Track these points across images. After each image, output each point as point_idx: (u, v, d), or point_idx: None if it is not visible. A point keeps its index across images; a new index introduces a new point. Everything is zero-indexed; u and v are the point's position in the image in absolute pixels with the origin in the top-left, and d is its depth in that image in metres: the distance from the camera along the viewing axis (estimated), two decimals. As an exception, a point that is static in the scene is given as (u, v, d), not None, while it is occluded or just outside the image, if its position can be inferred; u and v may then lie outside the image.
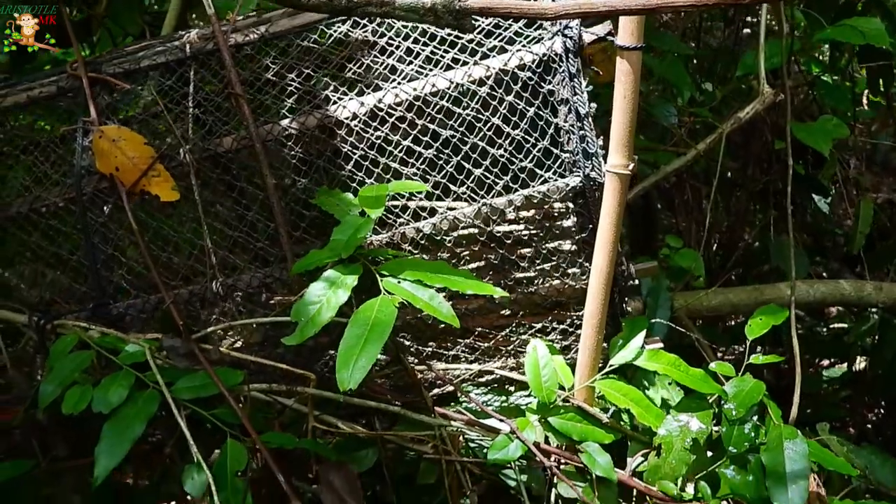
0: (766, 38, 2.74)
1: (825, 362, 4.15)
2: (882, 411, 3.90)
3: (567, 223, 1.93)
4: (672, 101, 3.16)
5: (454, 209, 1.86)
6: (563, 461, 1.89)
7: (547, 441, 1.92)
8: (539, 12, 1.41)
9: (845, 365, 3.92)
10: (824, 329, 4.04)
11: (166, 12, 2.64)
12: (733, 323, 3.79)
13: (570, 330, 2.02)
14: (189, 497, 1.71)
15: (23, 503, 1.89)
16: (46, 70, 2.14)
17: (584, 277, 1.91)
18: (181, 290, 1.93)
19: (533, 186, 1.81)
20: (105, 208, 1.95)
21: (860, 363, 3.81)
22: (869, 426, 3.85)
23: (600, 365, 1.94)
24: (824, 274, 3.89)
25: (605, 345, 1.94)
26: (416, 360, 2.03)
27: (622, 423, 2.02)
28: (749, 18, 3.73)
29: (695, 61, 3.69)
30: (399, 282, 1.61)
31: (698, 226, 3.50)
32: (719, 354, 3.69)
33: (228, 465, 1.67)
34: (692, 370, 1.90)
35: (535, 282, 1.97)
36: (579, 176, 1.80)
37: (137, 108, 2.07)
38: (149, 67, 1.96)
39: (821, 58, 3.63)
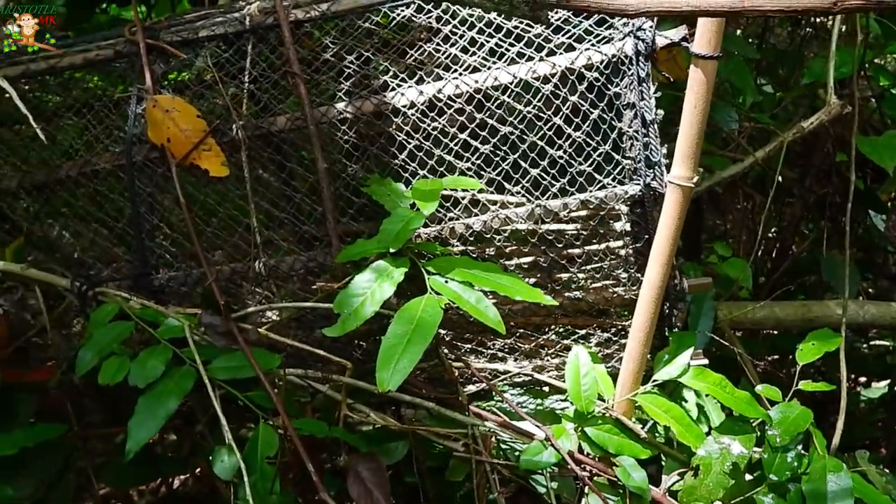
0: (836, 47, 2.64)
1: (863, 379, 4.05)
2: (918, 435, 3.80)
3: (619, 226, 1.88)
4: (732, 104, 3.07)
5: (506, 208, 1.81)
6: (596, 472, 1.85)
7: (581, 450, 1.88)
8: (620, 8, 1.34)
9: (883, 384, 3.81)
10: (865, 346, 3.93)
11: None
12: (775, 332, 3.69)
13: (614, 339, 1.98)
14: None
15: (48, 469, 1.89)
16: (103, 32, 2.11)
17: (633, 287, 1.86)
18: (224, 266, 1.91)
19: (590, 191, 1.76)
20: (153, 178, 1.94)
21: (901, 385, 3.70)
22: (903, 449, 3.75)
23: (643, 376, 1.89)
24: (871, 290, 3.78)
25: (648, 356, 1.89)
26: (454, 357, 2.00)
27: (657, 435, 1.98)
28: (816, 20, 3.59)
29: (756, 62, 3.57)
30: (447, 281, 1.57)
31: (748, 233, 3.41)
32: (757, 362, 3.60)
33: (259, 449, 1.66)
34: (737, 392, 1.84)
35: (583, 286, 1.92)
36: (639, 184, 1.74)
37: (191, 75, 2.05)
38: (207, 38, 1.93)
39: (889, 67, 3.49)
